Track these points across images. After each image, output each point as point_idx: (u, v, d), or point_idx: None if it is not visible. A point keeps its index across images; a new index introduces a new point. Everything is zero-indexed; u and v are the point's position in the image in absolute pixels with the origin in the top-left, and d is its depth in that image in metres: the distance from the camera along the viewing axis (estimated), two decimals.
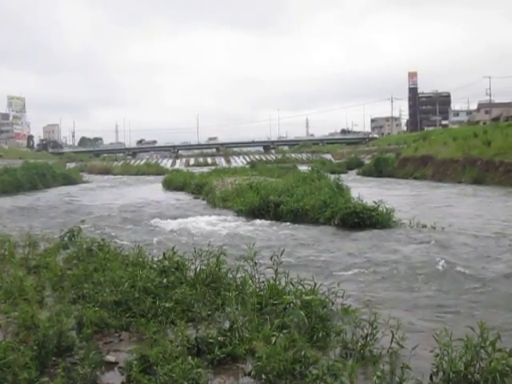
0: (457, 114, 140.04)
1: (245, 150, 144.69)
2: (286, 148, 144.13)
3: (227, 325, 7.19)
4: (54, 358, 6.37)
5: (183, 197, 36.60)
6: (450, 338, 5.47)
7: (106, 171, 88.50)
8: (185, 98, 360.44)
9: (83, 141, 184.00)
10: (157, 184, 51.58)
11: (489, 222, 19.95)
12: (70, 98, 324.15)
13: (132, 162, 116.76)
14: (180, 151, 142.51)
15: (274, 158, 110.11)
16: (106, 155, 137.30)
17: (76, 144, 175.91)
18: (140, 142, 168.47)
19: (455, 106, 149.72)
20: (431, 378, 5.49)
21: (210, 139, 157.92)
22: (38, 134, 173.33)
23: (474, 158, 42.45)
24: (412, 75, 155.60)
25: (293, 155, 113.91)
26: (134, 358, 6.20)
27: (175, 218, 23.06)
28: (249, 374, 6.15)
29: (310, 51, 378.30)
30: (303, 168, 44.30)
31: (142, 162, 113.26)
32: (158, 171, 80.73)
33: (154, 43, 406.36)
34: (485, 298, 10.05)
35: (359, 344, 6.80)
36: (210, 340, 6.72)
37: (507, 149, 39.91)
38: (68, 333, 6.82)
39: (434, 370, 5.50)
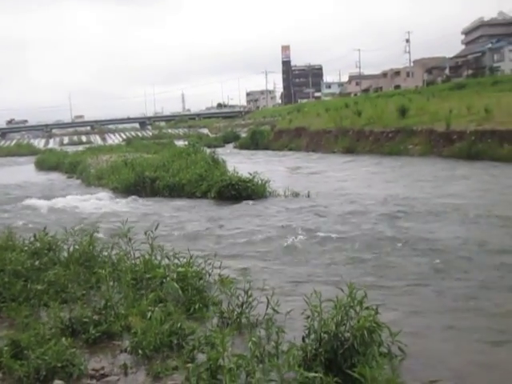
0: (329, 86, 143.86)
1: (120, 127, 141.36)
2: (162, 124, 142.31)
3: (102, 303, 7.08)
4: None
5: (57, 177, 35.63)
6: (319, 300, 5.65)
7: None
8: (56, 75, 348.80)
9: None
10: (29, 165, 49.74)
11: (358, 189, 20.76)
12: None
13: (2, 143, 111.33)
14: (53, 130, 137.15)
15: (150, 134, 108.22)
16: None
17: None
18: (10, 121, 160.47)
19: (327, 78, 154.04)
20: (303, 339, 5.66)
21: (77, 117, 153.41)
22: None
23: (345, 129, 43.66)
24: (285, 49, 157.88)
25: (169, 131, 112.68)
26: (4, 344, 6.00)
27: (48, 198, 22.28)
28: (125, 351, 6.12)
29: (184, 25, 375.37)
30: (180, 143, 44.00)
31: (13, 143, 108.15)
32: (31, 151, 77.40)
33: (20, 17, 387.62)
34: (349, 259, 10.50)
35: (235, 313, 6.92)
36: (85, 319, 6.62)
37: (376, 118, 41.39)
38: None
39: (306, 331, 5.67)
